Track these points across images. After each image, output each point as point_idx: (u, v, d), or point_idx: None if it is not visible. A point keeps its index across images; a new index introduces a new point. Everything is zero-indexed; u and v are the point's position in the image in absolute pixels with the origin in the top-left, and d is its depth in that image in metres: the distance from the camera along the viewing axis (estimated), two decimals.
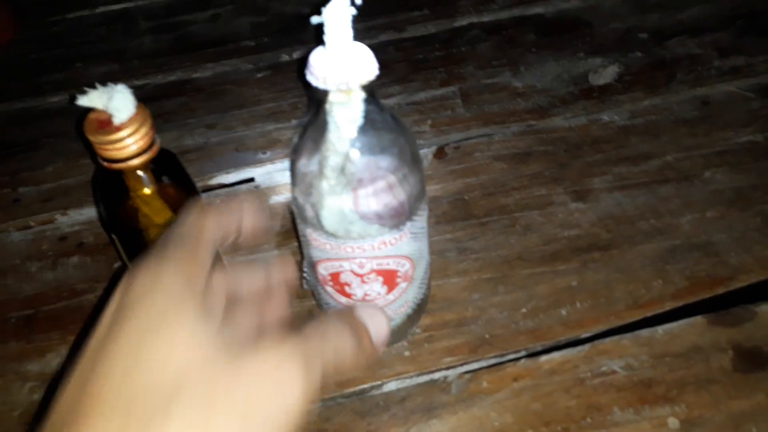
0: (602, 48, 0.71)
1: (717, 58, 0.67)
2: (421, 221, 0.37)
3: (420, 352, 0.43)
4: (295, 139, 0.37)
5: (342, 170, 0.35)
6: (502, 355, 0.43)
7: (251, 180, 0.60)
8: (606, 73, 0.67)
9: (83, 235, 0.56)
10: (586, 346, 0.43)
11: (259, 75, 0.74)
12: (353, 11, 0.31)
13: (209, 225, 0.25)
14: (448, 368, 0.42)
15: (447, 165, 0.58)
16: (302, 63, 0.33)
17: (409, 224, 0.36)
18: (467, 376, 0.42)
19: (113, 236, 0.39)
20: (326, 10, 0.31)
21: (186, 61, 0.79)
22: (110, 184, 0.37)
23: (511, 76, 0.68)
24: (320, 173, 0.35)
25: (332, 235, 0.36)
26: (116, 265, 0.52)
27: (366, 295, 0.39)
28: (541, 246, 0.49)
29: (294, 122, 0.66)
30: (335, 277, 0.38)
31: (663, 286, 0.46)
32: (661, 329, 0.43)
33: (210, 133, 0.66)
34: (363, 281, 0.38)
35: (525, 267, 0.48)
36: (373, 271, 0.37)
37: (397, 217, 0.36)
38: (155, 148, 0.36)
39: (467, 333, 0.44)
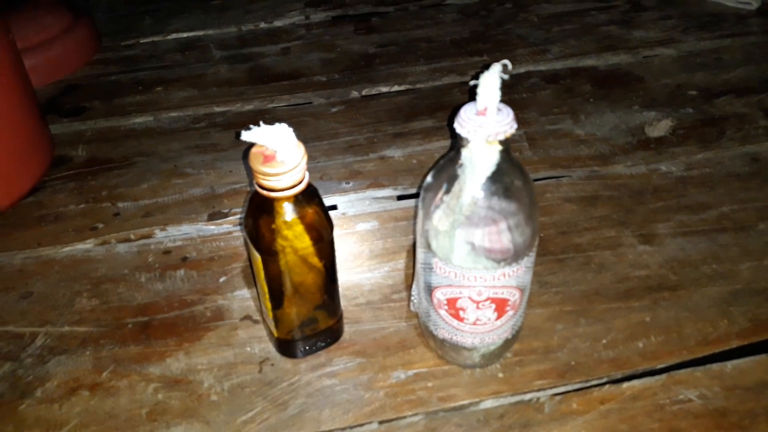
0: (655, 102, 0.77)
1: (763, 117, 0.73)
2: (533, 256, 0.42)
3: (512, 374, 0.48)
4: (429, 178, 0.42)
5: (473, 209, 0.40)
6: (587, 381, 0.47)
7: (334, 207, 0.65)
8: (660, 126, 0.73)
9: (186, 250, 0.60)
10: (663, 376, 0.47)
11: (334, 109, 0.80)
12: (505, 77, 0.37)
13: None
14: (539, 390, 0.47)
15: None
16: (453, 113, 0.38)
17: (525, 259, 0.41)
18: (558, 398, 0.46)
19: (254, 253, 0.44)
20: (483, 76, 0.36)
21: (262, 91, 0.84)
22: (261, 207, 0.42)
23: (573, 124, 0.74)
24: (452, 210, 0.40)
25: (458, 266, 0.41)
26: (222, 279, 0.57)
27: (477, 320, 0.43)
28: (615, 284, 0.54)
29: (372, 155, 0.71)
30: (452, 302, 0.43)
31: (729, 325, 0.50)
32: (730, 364, 0.48)
33: None
34: (478, 307, 0.43)
35: (602, 302, 0.53)
36: (488, 298, 0.42)
37: (516, 253, 0.41)
38: (306, 183, 0.41)
39: (554, 359, 0.49)
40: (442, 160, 0.41)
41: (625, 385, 0.47)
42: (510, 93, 0.80)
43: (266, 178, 0.40)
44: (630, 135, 0.72)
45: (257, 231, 0.43)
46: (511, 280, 0.42)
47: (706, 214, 0.61)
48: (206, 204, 0.66)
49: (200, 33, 1.00)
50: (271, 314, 0.47)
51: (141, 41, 0.99)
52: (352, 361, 0.50)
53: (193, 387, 0.49)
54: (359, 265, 0.58)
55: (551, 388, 0.47)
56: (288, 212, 0.42)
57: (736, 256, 0.56)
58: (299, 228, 0.43)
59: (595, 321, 0.51)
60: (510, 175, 0.40)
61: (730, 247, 0.57)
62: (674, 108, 0.76)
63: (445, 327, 0.45)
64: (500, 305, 0.43)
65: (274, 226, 0.43)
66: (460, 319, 0.44)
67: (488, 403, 0.46)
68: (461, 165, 0.39)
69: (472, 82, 0.37)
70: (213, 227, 0.63)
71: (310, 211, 0.43)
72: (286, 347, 0.50)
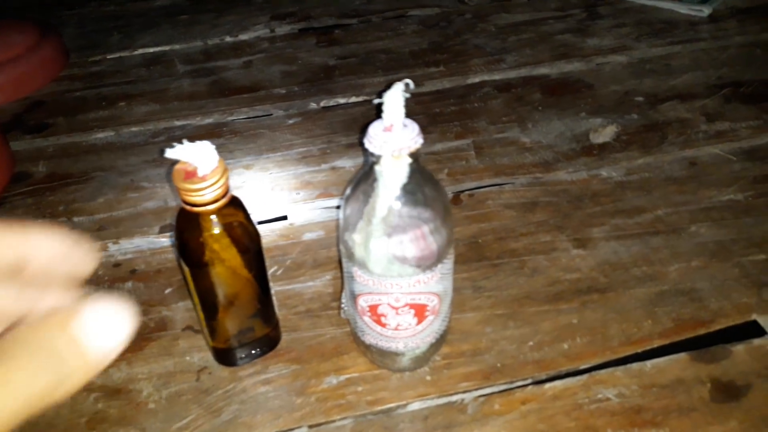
0: (602, 109, 0.79)
1: (704, 122, 0.75)
2: (449, 263, 0.44)
3: (440, 377, 0.50)
4: (348, 191, 0.44)
5: (387, 220, 0.41)
6: (512, 382, 0.49)
7: (285, 218, 0.67)
8: (605, 133, 0.74)
9: (135, 263, 0.62)
10: (585, 376, 0.49)
11: (290, 121, 0.82)
12: (407, 95, 0.38)
13: None
14: (464, 392, 0.49)
15: (462, 211, 0.65)
16: (363, 130, 0.40)
17: (440, 266, 0.43)
18: (481, 399, 0.48)
19: (183, 266, 0.46)
20: (387, 94, 0.38)
21: (222, 104, 0.86)
22: (188, 223, 0.44)
23: (520, 132, 0.76)
24: (368, 221, 0.42)
25: (375, 273, 0.43)
26: (167, 290, 0.59)
27: (398, 325, 0.45)
28: (546, 287, 0.56)
29: (324, 166, 0.73)
30: (373, 308, 0.45)
31: (652, 325, 0.52)
32: (649, 363, 0.49)
33: (247, 174, 0.73)
34: (397, 313, 0.44)
35: (532, 305, 0.54)
36: (407, 304, 0.44)
37: (430, 260, 0.43)
38: (229, 197, 0.43)
39: (481, 362, 0.50)
40: (360, 173, 0.43)
41: (548, 385, 0.49)
42: (462, 103, 0.82)
43: (189, 193, 0.42)
44: (574, 142, 0.74)
45: (185, 245, 0.45)
46: (427, 287, 0.43)
47: (640, 218, 0.62)
48: (159, 217, 0.68)
49: (166, 48, 1.02)
50: (204, 324, 0.49)
51: (108, 57, 1.01)
52: (287, 368, 0.51)
53: (132, 396, 0.50)
54: (302, 274, 0.60)
55: (476, 389, 0.49)
56: (213, 225, 0.44)
57: (665, 258, 0.58)
58: (225, 240, 0.45)
59: (524, 324, 0.53)
60: (422, 187, 0.42)
61: (661, 249, 0.59)
62: (620, 114, 0.78)
63: (370, 333, 0.47)
64: (419, 311, 0.45)
65: (201, 239, 0.44)
66: (383, 325, 0.45)
67: (415, 406, 0.48)
68: (374, 179, 0.41)
69: (376, 101, 0.39)
70: (164, 239, 0.65)
71: (236, 224, 0.45)
72: (223, 356, 0.51)
